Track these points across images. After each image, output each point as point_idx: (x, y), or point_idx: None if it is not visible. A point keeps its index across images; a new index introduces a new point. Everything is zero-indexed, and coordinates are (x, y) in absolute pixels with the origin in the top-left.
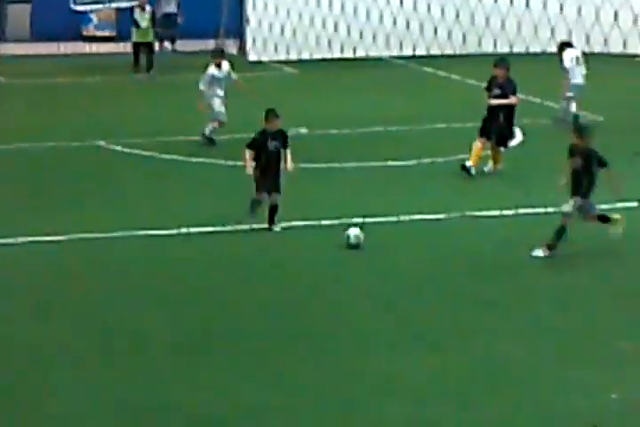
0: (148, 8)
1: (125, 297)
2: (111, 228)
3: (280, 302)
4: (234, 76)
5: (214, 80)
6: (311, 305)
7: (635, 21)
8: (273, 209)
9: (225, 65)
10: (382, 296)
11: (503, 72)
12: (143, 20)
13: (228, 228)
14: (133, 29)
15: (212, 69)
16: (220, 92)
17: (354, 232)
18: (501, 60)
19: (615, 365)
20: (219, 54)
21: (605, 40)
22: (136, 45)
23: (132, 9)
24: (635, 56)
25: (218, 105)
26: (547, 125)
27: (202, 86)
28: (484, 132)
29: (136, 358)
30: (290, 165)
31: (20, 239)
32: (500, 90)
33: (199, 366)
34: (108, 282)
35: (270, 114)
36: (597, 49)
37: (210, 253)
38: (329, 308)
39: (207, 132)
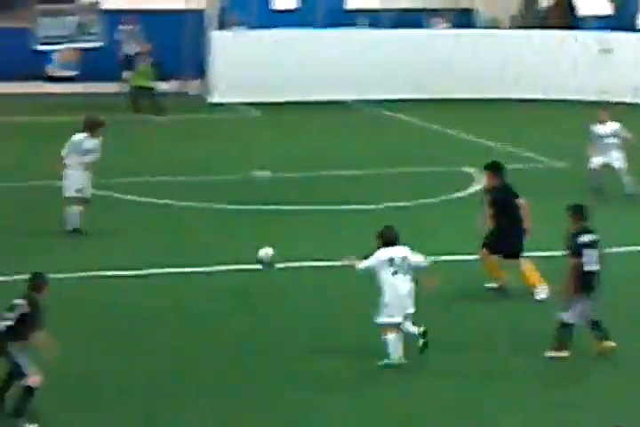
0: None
1: (82, 336)
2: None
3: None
4: (97, 153)
5: (80, 151)
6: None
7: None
8: None
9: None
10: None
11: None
12: (145, 65)
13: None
14: (132, 73)
15: (80, 136)
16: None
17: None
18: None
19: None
20: (98, 124)
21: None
22: (135, 89)
23: (135, 54)
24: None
25: (80, 179)
26: None
27: (63, 153)
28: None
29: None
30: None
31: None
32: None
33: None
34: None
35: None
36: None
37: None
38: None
39: (70, 226)
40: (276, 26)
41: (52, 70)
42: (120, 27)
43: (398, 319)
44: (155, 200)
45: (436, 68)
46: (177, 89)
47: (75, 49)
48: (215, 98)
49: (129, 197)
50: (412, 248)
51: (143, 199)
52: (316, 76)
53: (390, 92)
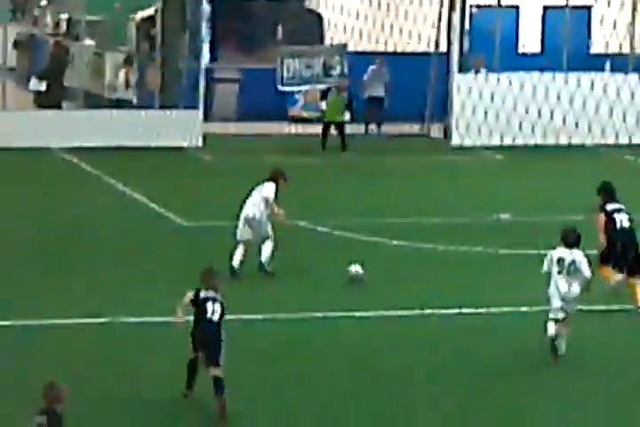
0: (345, 92)
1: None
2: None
3: None
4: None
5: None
6: None
7: None
8: None
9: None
10: None
11: None
12: (337, 98)
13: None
14: (325, 109)
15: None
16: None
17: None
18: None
19: None
20: (278, 175)
21: None
22: (326, 125)
23: (328, 89)
24: None
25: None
26: None
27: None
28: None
29: None
30: None
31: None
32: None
33: None
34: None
35: None
36: None
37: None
38: None
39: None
40: (520, 69)
41: (295, 111)
42: (370, 67)
43: (558, 315)
44: (391, 242)
45: None
46: (418, 131)
47: (319, 90)
48: (456, 140)
49: (366, 237)
50: None
51: (381, 240)
52: (558, 119)
53: (634, 137)
